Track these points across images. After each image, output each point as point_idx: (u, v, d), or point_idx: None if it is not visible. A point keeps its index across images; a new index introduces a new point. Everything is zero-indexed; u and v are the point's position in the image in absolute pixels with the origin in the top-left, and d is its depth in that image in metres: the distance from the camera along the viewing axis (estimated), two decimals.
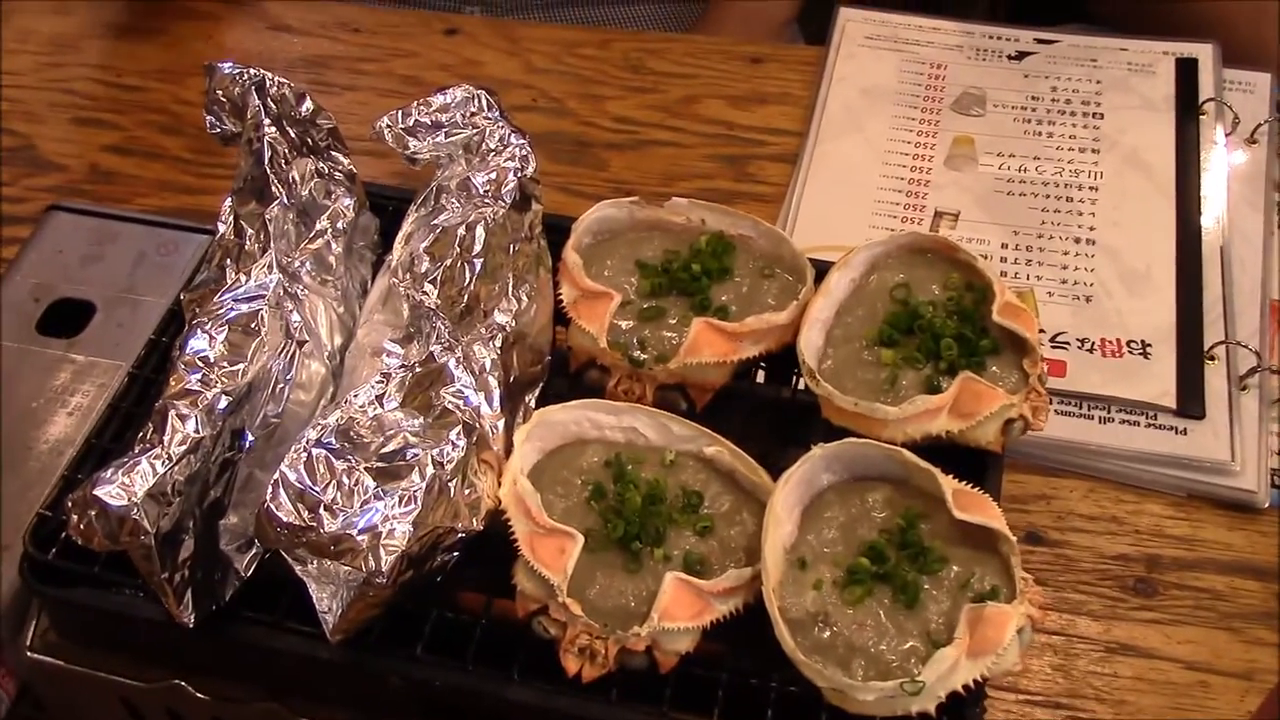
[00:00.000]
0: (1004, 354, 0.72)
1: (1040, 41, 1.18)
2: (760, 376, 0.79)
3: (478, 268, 0.66)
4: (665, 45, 1.24)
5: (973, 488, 0.66)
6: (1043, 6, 1.39)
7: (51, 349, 0.84)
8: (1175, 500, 0.91)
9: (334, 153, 0.77)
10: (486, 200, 0.68)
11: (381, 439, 0.60)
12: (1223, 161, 1.08)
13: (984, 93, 1.14)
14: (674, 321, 0.73)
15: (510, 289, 0.68)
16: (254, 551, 0.65)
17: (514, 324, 0.68)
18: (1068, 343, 0.97)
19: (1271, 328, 1.00)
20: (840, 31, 1.20)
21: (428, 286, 0.64)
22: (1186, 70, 1.13)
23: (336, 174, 0.76)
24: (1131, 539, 0.90)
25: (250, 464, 0.65)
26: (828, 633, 0.62)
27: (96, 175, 1.13)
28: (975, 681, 0.60)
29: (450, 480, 0.60)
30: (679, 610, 0.62)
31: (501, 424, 0.66)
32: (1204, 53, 1.14)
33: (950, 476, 0.66)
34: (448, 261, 0.65)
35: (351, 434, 0.60)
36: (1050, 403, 0.93)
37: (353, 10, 1.29)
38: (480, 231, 0.67)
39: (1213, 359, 0.96)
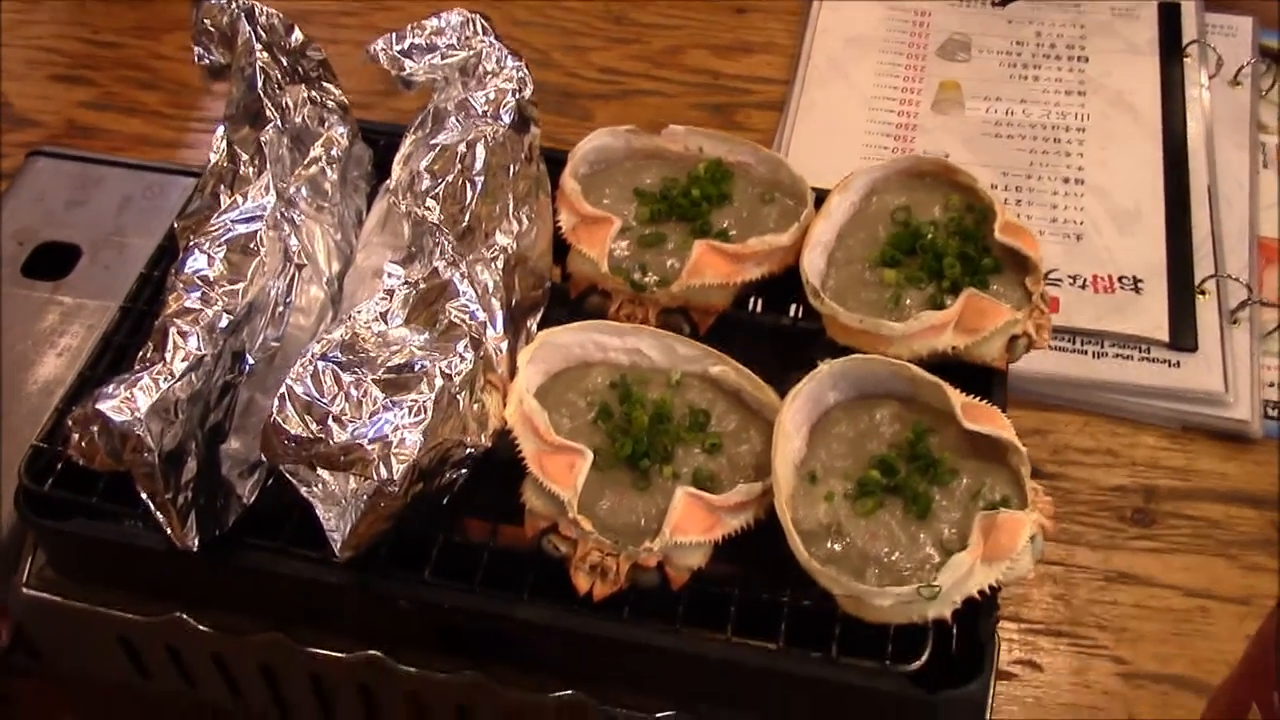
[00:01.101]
0: (1006, 273, 0.71)
1: None
2: (759, 307, 0.78)
3: (479, 186, 0.65)
4: None
5: (981, 400, 0.65)
6: None
7: (37, 291, 0.83)
8: (1170, 432, 0.92)
9: (325, 83, 0.76)
10: (486, 120, 0.67)
11: (388, 353, 0.59)
12: (1207, 103, 1.08)
13: (969, 38, 1.14)
14: (674, 247, 0.73)
15: (511, 210, 0.67)
16: (256, 477, 0.64)
17: (515, 246, 0.67)
18: (1060, 280, 0.98)
19: (1260, 263, 1.00)
20: None
21: (429, 202, 0.63)
22: (1169, 14, 1.14)
23: (329, 103, 0.75)
24: (1128, 470, 0.90)
25: (251, 388, 0.64)
26: (841, 544, 0.61)
27: (74, 130, 1.11)
28: (990, 587, 0.60)
29: (459, 393, 0.59)
30: (690, 525, 0.62)
31: (505, 346, 0.66)
32: None
33: (957, 390, 0.66)
34: (449, 178, 0.65)
35: (357, 348, 0.59)
36: None
37: None
38: (481, 150, 0.66)
39: (1204, 293, 0.96)
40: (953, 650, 0.62)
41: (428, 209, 0.63)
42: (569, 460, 0.62)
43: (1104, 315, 0.95)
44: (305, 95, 0.73)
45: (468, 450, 0.60)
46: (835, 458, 0.65)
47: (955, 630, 0.62)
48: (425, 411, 0.57)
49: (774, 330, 0.74)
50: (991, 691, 0.66)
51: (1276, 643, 0.60)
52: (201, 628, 0.67)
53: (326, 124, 0.73)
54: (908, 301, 0.70)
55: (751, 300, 0.76)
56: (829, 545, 0.61)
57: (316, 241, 0.68)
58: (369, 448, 0.55)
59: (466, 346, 0.60)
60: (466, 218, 0.65)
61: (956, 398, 0.65)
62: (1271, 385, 0.93)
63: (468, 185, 0.65)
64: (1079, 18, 1.15)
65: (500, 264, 0.66)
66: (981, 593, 0.60)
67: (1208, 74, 1.10)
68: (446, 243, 0.63)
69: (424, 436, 0.56)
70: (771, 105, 1.12)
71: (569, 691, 0.65)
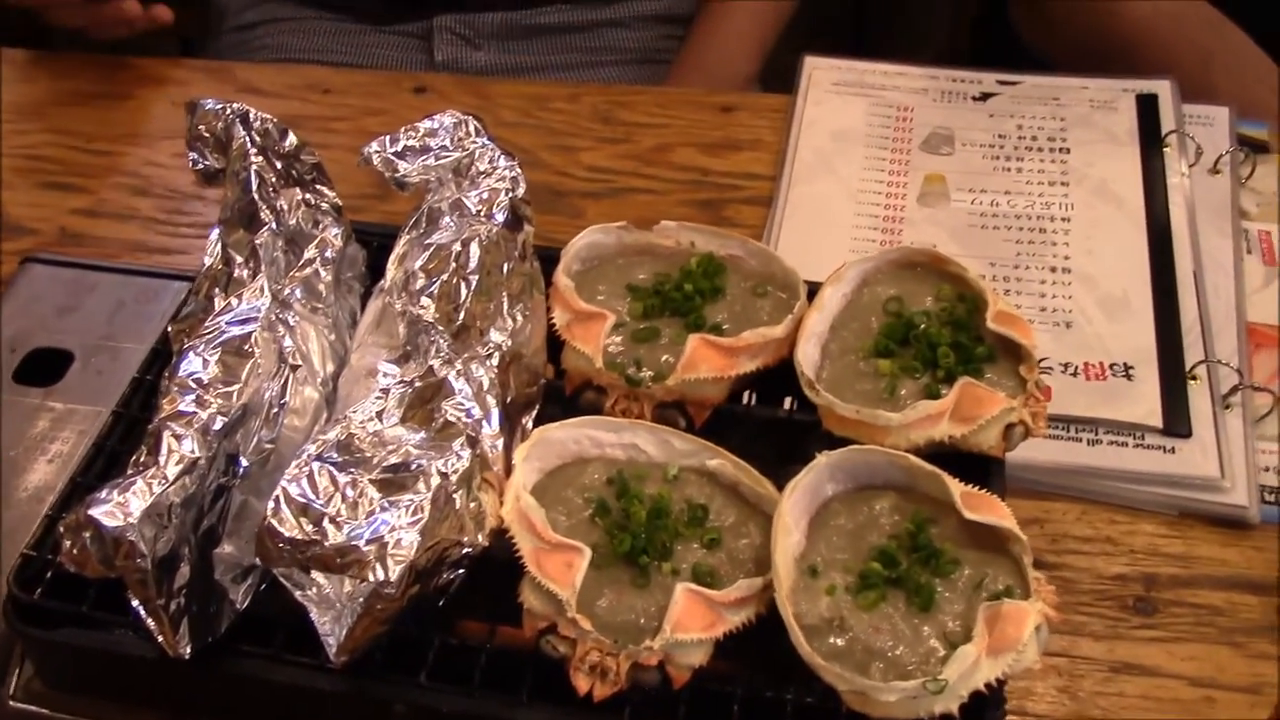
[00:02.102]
0: (1000, 361, 0.72)
1: (1003, 83, 1.20)
2: (754, 400, 0.78)
3: (474, 284, 0.65)
4: (635, 97, 1.25)
5: (979, 490, 0.65)
6: (995, 57, 1.42)
7: (29, 398, 0.83)
8: (1168, 519, 0.91)
9: (319, 186, 0.77)
10: (480, 219, 0.68)
11: (384, 452, 0.59)
12: (1189, 191, 1.10)
13: (952, 132, 1.16)
14: (668, 341, 0.73)
15: (505, 308, 0.68)
16: (250, 582, 0.63)
17: (510, 343, 0.67)
18: (1051, 368, 0.98)
19: (1249, 348, 1.01)
20: (807, 79, 1.22)
21: (425, 301, 0.64)
22: (1147, 105, 1.16)
23: (323, 205, 0.75)
24: (1128, 559, 0.90)
25: (245, 491, 0.63)
26: (844, 638, 0.61)
27: (66, 238, 1.11)
28: (996, 680, 0.59)
29: (456, 491, 0.58)
30: (691, 622, 0.61)
31: (501, 443, 0.65)
32: (1163, 88, 1.17)
33: (956, 480, 0.65)
34: (444, 276, 0.65)
35: (352, 448, 0.59)
36: None
37: (323, 72, 1.29)
38: (475, 248, 0.66)
39: (1195, 379, 0.97)
40: None
41: (423, 308, 0.63)
42: (567, 559, 0.62)
43: (1097, 403, 0.95)
44: (300, 198, 0.73)
45: (465, 550, 0.59)
46: (835, 550, 0.64)
47: None
48: (422, 511, 0.57)
49: (770, 423, 0.74)
50: None
51: None
52: None
53: (320, 226, 0.73)
54: (903, 391, 0.70)
55: (746, 394, 0.75)
56: (832, 640, 0.61)
57: (311, 342, 0.68)
58: (365, 549, 0.55)
59: (463, 445, 0.60)
60: (461, 316, 0.65)
61: (955, 487, 0.65)
62: (1268, 470, 0.93)
63: (462, 284, 0.65)
64: (1059, 110, 1.17)
65: (495, 361, 0.66)
66: (988, 685, 0.59)
67: (1187, 163, 1.12)
68: (442, 341, 0.63)
69: (421, 536, 0.56)
70: (760, 200, 1.14)
71: None
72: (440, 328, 0.63)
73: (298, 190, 0.74)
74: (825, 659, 0.59)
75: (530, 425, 0.70)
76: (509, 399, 0.67)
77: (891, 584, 0.62)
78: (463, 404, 0.61)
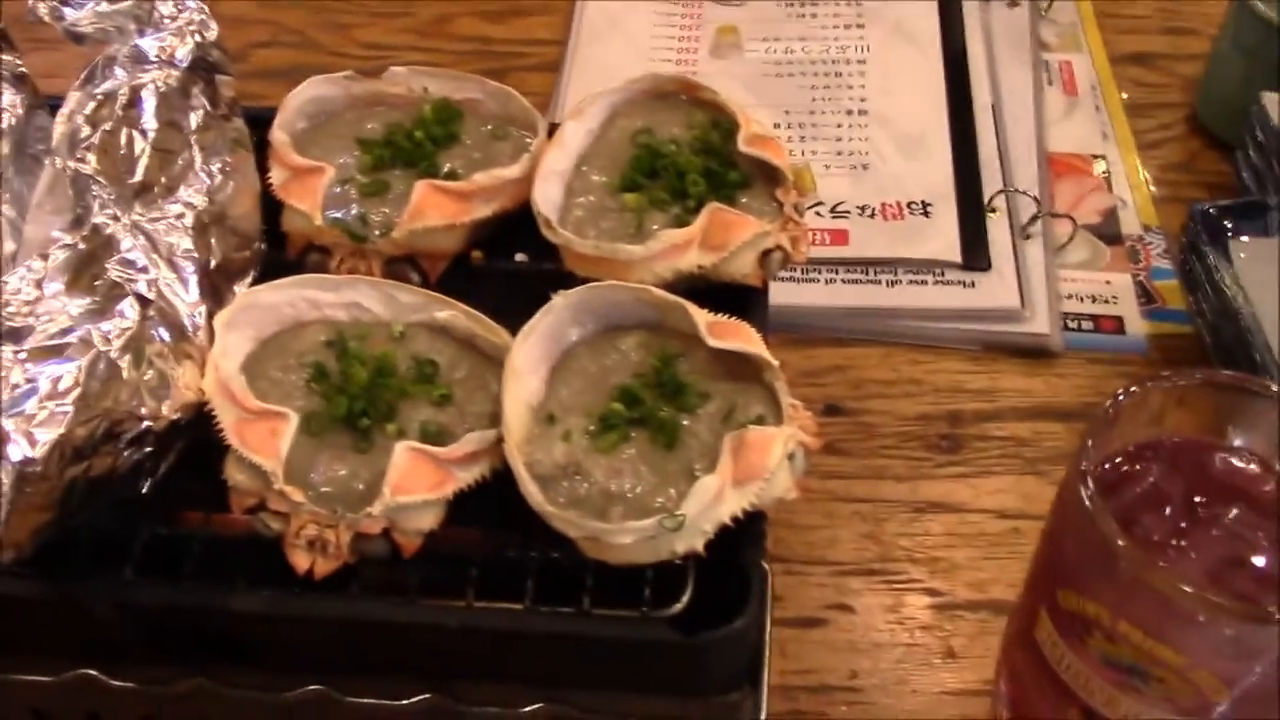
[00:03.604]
0: (756, 186, 0.67)
1: None
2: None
3: (150, 136, 0.58)
4: None
5: (729, 318, 0.60)
6: None
7: None
8: (971, 355, 0.88)
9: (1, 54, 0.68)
10: (158, 65, 0.60)
11: (38, 323, 0.52)
12: (985, 25, 1.06)
13: None
14: (398, 195, 0.66)
15: (198, 164, 0.61)
16: None
17: (206, 202, 0.61)
18: (848, 211, 0.94)
19: (1050, 178, 0.98)
20: None
21: (87, 155, 0.56)
22: None
23: (3, 73, 0.67)
24: (931, 398, 0.86)
25: None
26: (583, 486, 0.55)
27: None
28: (744, 512, 0.54)
29: (120, 357, 0.52)
30: (414, 483, 0.55)
31: (204, 312, 0.59)
32: None
33: (703, 310, 0.60)
34: (107, 126, 0.57)
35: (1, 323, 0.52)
36: (836, 271, 0.91)
37: None
38: (148, 97, 0.59)
39: (994, 211, 0.93)
40: (722, 591, 0.57)
41: (83, 160, 0.56)
42: (271, 426, 0.56)
43: (895, 243, 0.91)
44: None
45: (144, 424, 0.53)
46: (576, 394, 0.59)
47: (721, 568, 0.56)
48: (77, 382, 0.50)
49: (512, 274, 0.68)
50: (769, 629, 0.61)
51: (1055, 542, 0.56)
52: None
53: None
54: (653, 226, 0.65)
55: (489, 245, 0.69)
56: (569, 487, 0.56)
57: None
58: (5, 423, 0.48)
59: (131, 305, 0.53)
60: (140, 172, 0.58)
61: (701, 317, 0.60)
62: (1070, 297, 0.90)
63: (135, 135, 0.58)
64: None
65: (189, 221, 0.59)
66: (736, 520, 0.54)
67: None
68: (107, 195, 0.55)
69: (74, 408, 0.49)
70: (547, 67, 1.07)
71: (313, 688, 0.58)
72: (104, 181, 0.56)
73: None
74: (560, 508, 0.54)
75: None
76: (212, 264, 0.61)
77: (635, 424, 0.57)
78: (131, 260, 0.54)
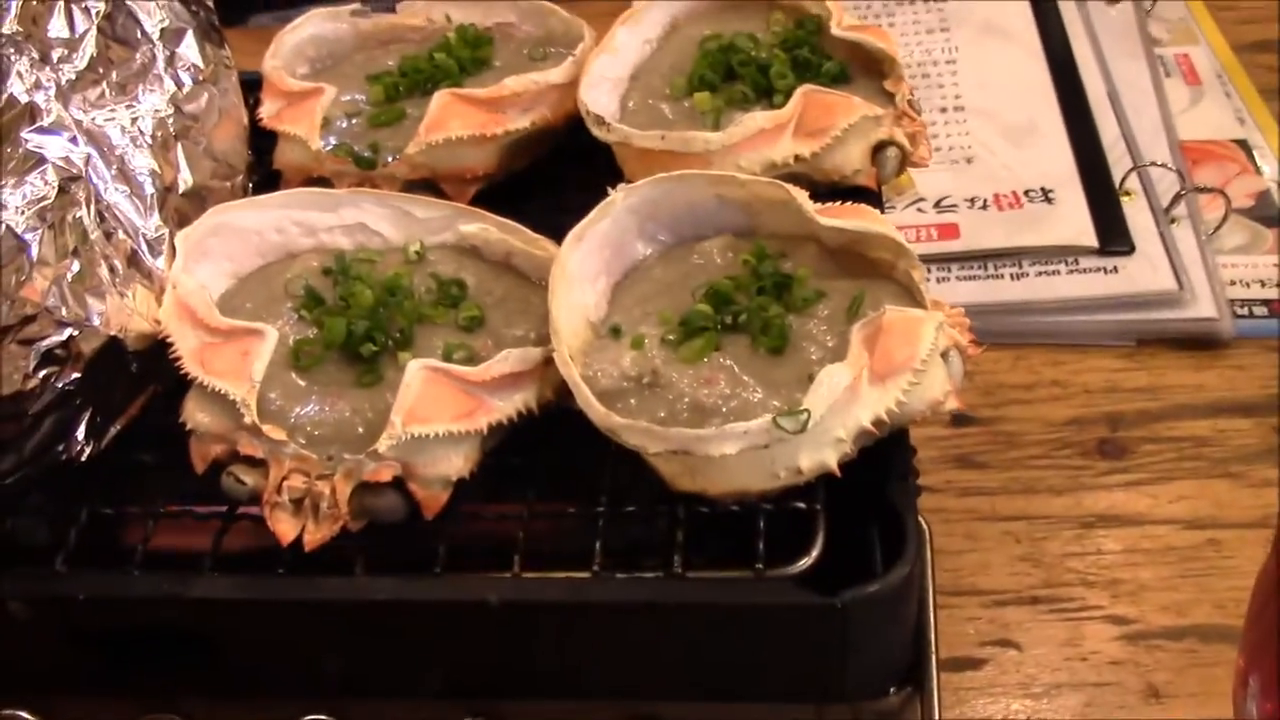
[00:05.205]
0: (859, 81, 0.53)
1: None
2: None
3: (94, 14, 0.46)
4: None
5: (844, 204, 0.46)
6: None
7: None
8: (1124, 350, 0.73)
9: None
10: None
11: None
12: (1087, 23, 0.95)
13: None
14: (414, 121, 0.54)
15: (162, 63, 0.48)
16: None
17: (172, 111, 0.48)
18: (955, 205, 0.80)
19: (1187, 164, 0.84)
20: None
21: (7, 19, 0.44)
22: None
23: None
24: (1082, 400, 0.70)
25: None
26: (660, 398, 0.40)
27: None
28: (889, 412, 0.39)
29: (29, 232, 0.38)
30: (434, 409, 0.40)
31: (165, 237, 0.46)
32: None
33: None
34: None
35: None
36: (949, 268, 0.77)
37: None
38: None
39: (1129, 194, 0.79)
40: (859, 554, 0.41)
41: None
42: (241, 346, 0.42)
43: (1015, 232, 0.77)
44: None
45: (66, 333, 0.39)
46: (647, 303, 0.44)
47: (857, 521, 0.41)
48: None
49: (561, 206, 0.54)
50: (932, 604, 0.44)
51: None
52: None
53: None
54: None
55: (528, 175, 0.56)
56: (642, 401, 0.40)
57: None
58: None
59: (49, 175, 0.40)
60: (81, 53, 0.46)
61: (806, 200, 0.45)
62: (1232, 284, 0.75)
63: (75, 10, 0.46)
64: None
65: (150, 127, 0.47)
66: (879, 423, 0.39)
67: None
68: (27, 59, 0.43)
69: None
70: None
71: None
72: (30, 49, 0.43)
73: None
74: (633, 418, 0.39)
75: None
76: (181, 186, 0.48)
77: (728, 330, 0.43)
78: (66, 156, 0.41)
